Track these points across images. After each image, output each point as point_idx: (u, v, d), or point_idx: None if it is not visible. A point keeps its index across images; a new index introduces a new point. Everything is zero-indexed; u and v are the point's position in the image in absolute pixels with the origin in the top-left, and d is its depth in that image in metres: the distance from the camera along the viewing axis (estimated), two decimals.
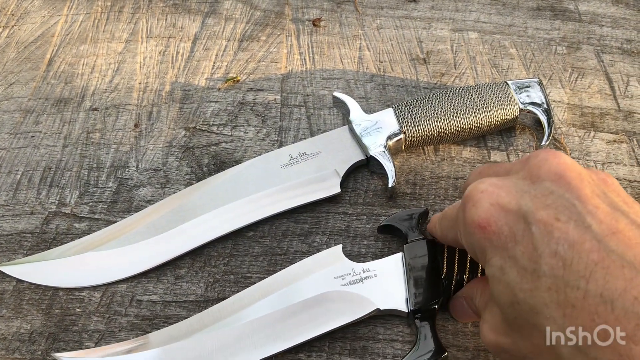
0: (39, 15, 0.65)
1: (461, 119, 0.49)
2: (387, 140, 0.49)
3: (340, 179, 0.48)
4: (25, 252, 0.46)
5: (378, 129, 0.49)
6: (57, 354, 0.41)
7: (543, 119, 0.50)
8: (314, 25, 0.62)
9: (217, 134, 0.54)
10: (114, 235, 0.46)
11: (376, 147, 0.48)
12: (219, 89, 0.57)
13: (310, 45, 0.61)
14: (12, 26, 0.65)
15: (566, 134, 0.52)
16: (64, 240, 0.47)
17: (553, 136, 0.52)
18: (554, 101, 0.55)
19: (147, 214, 0.48)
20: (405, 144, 0.49)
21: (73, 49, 0.62)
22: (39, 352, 0.41)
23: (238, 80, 0.58)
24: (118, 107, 0.56)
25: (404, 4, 0.64)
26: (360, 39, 0.61)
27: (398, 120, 0.49)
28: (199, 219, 0.47)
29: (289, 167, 0.49)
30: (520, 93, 0.50)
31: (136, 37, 0.62)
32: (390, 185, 0.47)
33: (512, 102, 0.50)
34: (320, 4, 0.65)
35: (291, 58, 0.60)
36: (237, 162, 0.51)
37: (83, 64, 0.60)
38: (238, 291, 0.43)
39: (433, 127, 0.49)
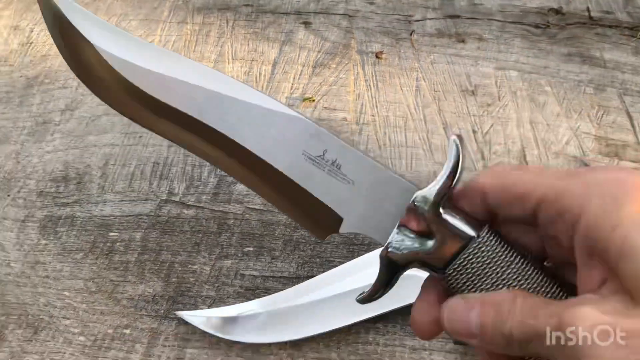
0: (136, 35, 0.75)
1: None
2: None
3: None
4: (142, 231, 0.56)
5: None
6: (180, 312, 0.49)
7: None
8: (377, 57, 0.73)
9: None
10: None
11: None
12: (297, 107, 0.67)
13: (374, 74, 0.71)
14: None
15: (594, 161, 0.62)
16: (175, 223, 0.56)
17: (582, 160, 0.61)
18: (584, 132, 0.65)
19: None
20: None
21: None
22: (162, 311, 0.50)
23: (314, 100, 0.68)
24: None
25: (454, 44, 0.74)
26: (417, 71, 0.71)
27: None
28: None
29: None
30: None
31: (223, 58, 0.73)
32: None
33: None
34: (381, 40, 0.75)
35: (358, 84, 0.70)
36: None
37: None
38: (324, 271, 0.52)
39: None
